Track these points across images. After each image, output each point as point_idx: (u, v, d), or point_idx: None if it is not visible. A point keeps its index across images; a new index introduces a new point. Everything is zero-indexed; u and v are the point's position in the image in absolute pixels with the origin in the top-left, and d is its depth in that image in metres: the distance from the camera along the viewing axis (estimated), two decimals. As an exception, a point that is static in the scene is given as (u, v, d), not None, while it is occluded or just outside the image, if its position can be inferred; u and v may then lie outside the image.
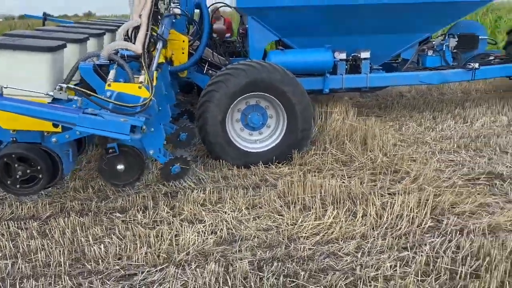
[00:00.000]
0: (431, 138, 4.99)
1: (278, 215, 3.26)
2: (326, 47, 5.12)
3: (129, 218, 3.25)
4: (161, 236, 2.98)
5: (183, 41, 5.02)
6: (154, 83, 3.45)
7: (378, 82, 5.48)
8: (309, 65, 5.15)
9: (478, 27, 6.04)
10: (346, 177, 3.94)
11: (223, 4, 5.63)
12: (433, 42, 5.66)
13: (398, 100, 6.79)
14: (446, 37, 5.74)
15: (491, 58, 6.02)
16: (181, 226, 3.09)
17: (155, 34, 4.13)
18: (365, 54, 5.37)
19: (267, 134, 4.42)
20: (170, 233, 3.02)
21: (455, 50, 5.72)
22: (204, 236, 3.00)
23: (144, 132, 2.99)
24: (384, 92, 7.10)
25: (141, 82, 3.05)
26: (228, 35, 7.64)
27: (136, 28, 3.82)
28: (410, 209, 3.19)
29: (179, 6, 5.24)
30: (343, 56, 5.32)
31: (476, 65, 5.57)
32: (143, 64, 3.23)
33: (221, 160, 4.28)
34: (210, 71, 5.32)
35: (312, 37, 5.29)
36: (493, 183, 3.80)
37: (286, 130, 4.32)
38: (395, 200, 3.30)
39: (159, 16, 4.69)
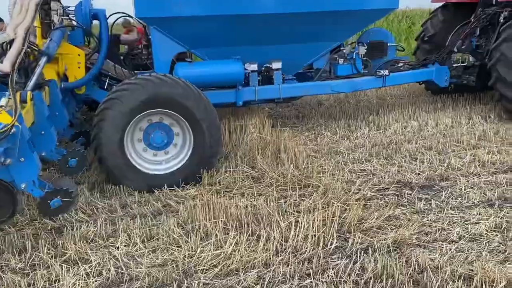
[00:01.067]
0: (344, 147, 4.94)
1: (176, 246, 2.96)
2: (235, 59, 4.92)
3: (1, 264, 2.80)
4: (34, 284, 2.57)
5: (79, 54, 4.61)
6: (28, 105, 3.03)
7: (291, 92, 5.37)
8: (219, 77, 4.92)
9: (386, 34, 6.15)
10: (255, 195, 3.73)
11: (124, 15, 5.25)
12: (344, 51, 5.66)
13: (315, 109, 6.76)
14: (356, 45, 5.77)
15: (400, 64, 6.15)
16: (62, 269, 2.69)
17: (37, 49, 3.70)
18: (276, 65, 5.24)
19: (174, 154, 4.10)
20: (48, 278, 2.63)
21: (365, 58, 5.77)
22: (88, 279, 2.63)
23: (9, 163, 2.58)
24: (303, 101, 7.06)
25: (1, 106, 2.63)
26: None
27: (11, 43, 3.38)
28: (316, 229, 3.03)
29: (73, 18, 4.83)
30: (254, 67, 5.15)
31: (386, 72, 5.64)
32: (10, 84, 2.80)
33: (121, 186, 3.91)
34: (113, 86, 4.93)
35: (222, 47, 5.06)
36: (402, 193, 3.76)
37: (193, 148, 4.03)
38: (301, 219, 3.13)
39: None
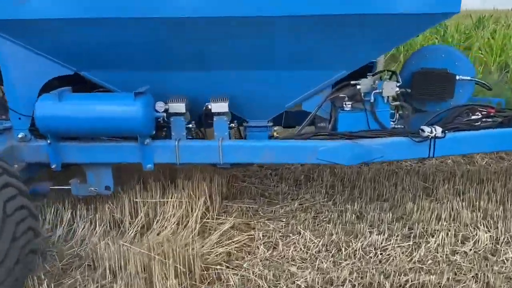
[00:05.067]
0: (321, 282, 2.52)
1: None
2: (132, 94, 2.82)
3: None
4: None
5: None
6: None
7: (238, 156, 3.03)
8: (103, 123, 2.85)
9: (454, 56, 3.38)
10: None
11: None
12: (359, 87, 3.13)
13: (308, 174, 4.21)
14: (383, 78, 3.21)
15: (478, 115, 3.35)
16: None
17: None
18: (219, 106, 3.00)
19: None
20: None
21: (399, 103, 3.17)
22: None
23: None
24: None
25: None
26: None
27: None
28: None
29: None
30: (177, 107, 2.99)
31: (437, 130, 2.98)
32: None
33: None
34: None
35: (135, 71, 3.03)
36: None
37: None
38: None
39: None
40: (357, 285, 2.54)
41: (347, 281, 2.57)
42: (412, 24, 2.78)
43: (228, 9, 2.64)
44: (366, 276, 2.59)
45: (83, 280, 2.59)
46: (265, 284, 2.58)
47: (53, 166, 3.04)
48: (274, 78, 3.08)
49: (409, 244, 2.96)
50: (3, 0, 2.64)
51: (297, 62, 2.99)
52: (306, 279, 2.60)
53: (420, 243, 2.98)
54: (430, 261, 2.79)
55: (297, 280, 2.61)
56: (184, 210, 3.19)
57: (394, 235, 3.05)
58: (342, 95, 3.16)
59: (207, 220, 3.25)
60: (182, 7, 2.65)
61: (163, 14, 2.68)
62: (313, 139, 3.05)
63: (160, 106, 2.92)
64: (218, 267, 2.72)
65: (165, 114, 2.94)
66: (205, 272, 2.68)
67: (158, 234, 3.06)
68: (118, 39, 2.83)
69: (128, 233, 3.09)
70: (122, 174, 3.62)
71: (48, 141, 2.96)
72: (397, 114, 3.25)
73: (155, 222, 3.16)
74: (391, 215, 3.31)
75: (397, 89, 3.05)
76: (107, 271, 2.62)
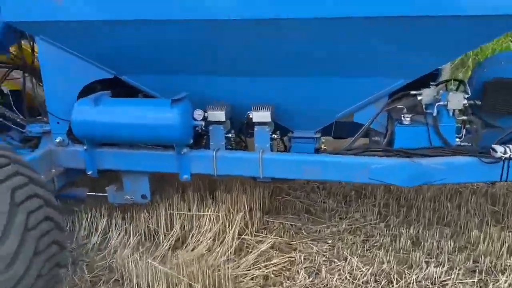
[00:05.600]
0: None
1: None
2: (169, 100, 2.65)
3: None
4: None
5: None
6: None
7: (277, 171, 2.77)
8: (141, 130, 2.72)
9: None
10: None
11: None
12: (419, 98, 2.76)
13: (359, 191, 3.84)
14: (449, 88, 2.82)
15: None
16: None
17: None
18: (261, 115, 2.75)
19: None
20: None
21: (466, 117, 2.76)
22: None
23: None
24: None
25: None
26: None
27: None
28: None
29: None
30: (217, 115, 2.78)
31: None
32: None
33: None
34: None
35: (176, 75, 2.87)
36: None
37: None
38: None
39: None
40: (409, 328, 2.21)
41: (398, 322, 2.25)
42: (492, 26, 2.38)
43: (277, 11, 2.39)
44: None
45: (109, 297, 2.45)
46: (303, 318, 2.31)
47: (89, 173, 2.95)
48: (324, 85, 2.79)
49: (474, 281, 2.56)
50: (42, 2, 2.56)
51: (351, 68, 2.68)
52: (349, 315, 2.30)
53: (487, 280, 2.57)
54: (499, 304, 2.39)
55: (339, 316, 2.32)
56: (221, 225, 2.98)
57: (456, 268, 2.66)
58: (400, 107, 2.81)
59: (245, 237, 3.02)
60: (226, 9, 2.44)
61: (206, 16, 2.48)
62: (364, 155, 2.73)
63: (198, 114, 2.72)
64: (252, 292, 2.49)
65: (203, 123, 2.74)
66: (238, 297, 2.45)
67: (192, 250, 2.88)
68: (159, 42, 2.68)
69: (162, 246, 2.94)
70: (163, 182, 3.49)
71: (85, 147, 2.87)
72: (464, 130, 2.84)
73: (190, 236, 2.98)
74: (452, 243, 2.90)
75: (465, 101, 2.66)
76: (135, 288, 2.47)
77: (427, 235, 3.04)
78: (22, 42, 3.24)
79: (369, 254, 2.87)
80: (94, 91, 2.92)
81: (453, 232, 3.09)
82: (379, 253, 2.85)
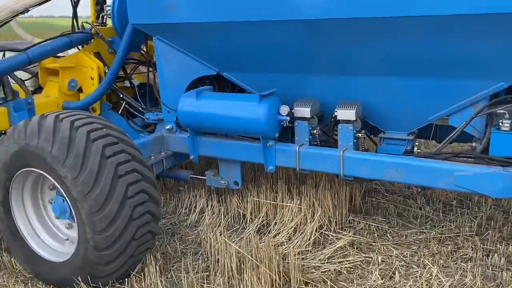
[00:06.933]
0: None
1: None
2: (257, 95, 2.85)
3: None
4: None
5: (92, 68, 3.66)
6: None
7: (359, 169, 2.75)
8: (232, 122, 2.98)
9: None
10: None
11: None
12: (525, 101, 2.49)
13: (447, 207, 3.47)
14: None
15: None
16: None
17: None
18: (345, 114, 2.78)
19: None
20: None
21: None
22: None
23: None
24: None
25: None
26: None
27: None
28: None
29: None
30: (303, 111, 2.90)
31: None
32: None
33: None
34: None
35: (270, 73, 3.08)
36: None
37: (79, 239, 2.52)
38: None
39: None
40: None
41: (463, 338, 2.11)
42: None
43: (371, 10, 2.40)
44: None
45: (189, 267, 2.76)
46: (363, 316, 2.32)
47: (191, 157, 3.32)
48: (418, 86, 2.71)
49: None
50: (158, 7, 2.98)
51: (447, 69, 2.56)
52: (412, 322, 2.23)
53: None
54: None
55: (401, 321, 2.26)
56: (302, 218, 3.10)
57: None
58: (501, 111, 2.57)
59: (326, 232, 3.09)
60: (322, 9, 2.52)
61: (302, 17, 2.60)
62: (453, 161, 2.58)
63: (283, 109, 2.87)
64: (320, 285, 2.56)
65: (288, 118, 2.88)
66: (304, 286, 2.55)
67: (274, 237, 3.06)
68: (258, 42, 2.88)
69: (247, 229, 3.18)
70: (257, 172, 3.74)
71: (188, 135, 3.25)
72: None
73: (273, 224, 3.16)
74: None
75: None
76: (214, 265, 2.74)
77: (529, 255, 2.73)
78: (149, 41, 3.78)
79: (453, 265, 2.70)
80: (203, 85, 3.30)
81: None
82: (464, 266, 2.66)
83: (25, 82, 3.77)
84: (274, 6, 2.65)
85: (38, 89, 3.90)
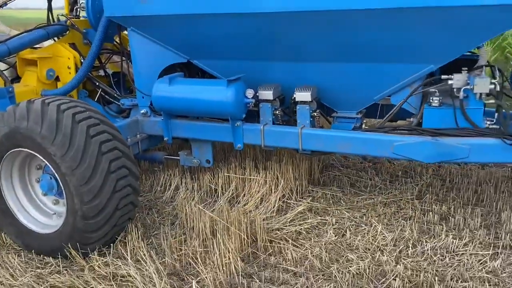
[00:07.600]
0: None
1: None
2: (225, 80, 3.20)
3: None
4: None
5: (68, 58, 3.91)
6: None
7: (315, 143, 3.18)
8: (202, 105, 3.32)
9: None
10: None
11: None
12: (450, 82, 2.95)
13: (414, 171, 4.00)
14: (479, 72, 2.93)
15: None
16: None
17: None
18: (302, 95, 3.18)
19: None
20: None
21: (494, 101, 2.87)
22: None
23: None
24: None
25: None
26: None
27: None
28: None
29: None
30: (266, 94, 3.28)
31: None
32: None
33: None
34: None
35: (237, 60, 3.43)
36: None
37: (67, 210, 2.82)
38: None
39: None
40: (407, 281, 2.51)
41: (399, 276, 2.56)
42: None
43: (324, 3, 2.77)
44: (420, 276, 2.53)
45: (168, 233, 3.10)
46: (319, 265, 2.73)
47: (165, 139, 3.64)
48: (364, 70, 3.12)
49: (488, 253, 2.74)
50: (133, 1, 3.26)
51: (387, 55, 2.98)
52: (359, 267, 2.66)
53: (500, 254, 2.73)
54: (504, 274, 2.56)
55: (350, 266, 2.69)
56: (267, 189, 3.49)
57: (474, 241, 2.86)
58: (432, 90, 3.03)
59: (288, 201, 3.50)
60: (280, 2, 2.86)
61: (262, 10, 2.93)
62: (392, 133, 3.03)
63: (249, 92, 3.24)
64: (282, 242, 2.96)
65: (254, 100, 3.25)
66: (269, 244, 2.94)
67: (243, 206, 3.44)
68: (224, 32, 3.21)
69: (219, 202, 3.54)
70: (226, 152, 4.10)
71: (162, 118, 3.56)
72: (497, 114, 2.97)
73: (242, 196, 3.54)
74: (480, 221, 3.07)
75: (492, 86, 2.80)
76: (190, 231, 3.10)
77: (458, 212, 3.23)
78: (122, 32, 4.05)
79: (395, 223, 3.17)
80: (174, 72, 3.61)
81: (487, 212, 3.23)
82: (405, 223, 3.13)
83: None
84: (237, 0, 3.00)
85: (15, 79, 4.11)
